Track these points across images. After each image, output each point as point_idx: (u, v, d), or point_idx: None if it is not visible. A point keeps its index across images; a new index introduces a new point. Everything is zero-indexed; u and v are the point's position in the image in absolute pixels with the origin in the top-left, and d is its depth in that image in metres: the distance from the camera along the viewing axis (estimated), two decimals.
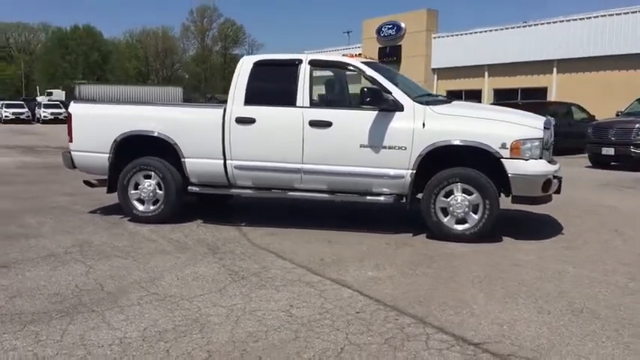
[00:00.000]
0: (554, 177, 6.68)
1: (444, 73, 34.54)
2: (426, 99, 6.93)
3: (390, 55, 35.98)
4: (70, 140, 7.72)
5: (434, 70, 34.94)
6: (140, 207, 7.45)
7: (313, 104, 6.86)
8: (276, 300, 4.60)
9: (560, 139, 20.17)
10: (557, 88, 28.71)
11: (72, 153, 7.76)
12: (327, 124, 6.73)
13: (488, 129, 6.39)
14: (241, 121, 6.98)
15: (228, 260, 5.76)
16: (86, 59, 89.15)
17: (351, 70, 7.00)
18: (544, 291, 4.83)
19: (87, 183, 7.96)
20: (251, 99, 7.04)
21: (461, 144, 6.41)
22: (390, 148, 6.57)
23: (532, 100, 22.16)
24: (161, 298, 4.64)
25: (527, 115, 6.96)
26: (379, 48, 36.62)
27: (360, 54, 8.09)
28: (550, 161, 6.82)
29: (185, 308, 4.40)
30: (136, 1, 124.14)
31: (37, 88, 77.69)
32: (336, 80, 7.46)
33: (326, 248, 6.26)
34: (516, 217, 8.01)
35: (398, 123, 6.56)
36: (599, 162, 16.14)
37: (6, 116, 45.83)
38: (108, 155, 7.47)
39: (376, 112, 6.61)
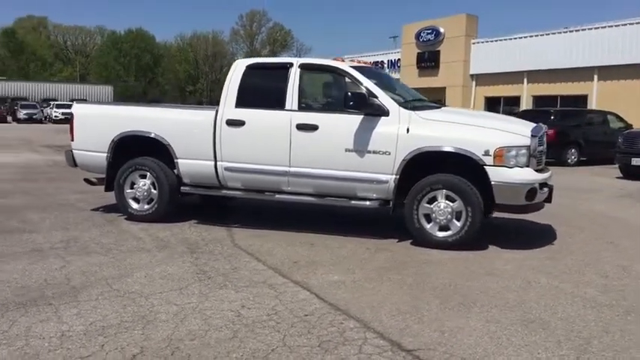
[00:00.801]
0: (544, 185, 6.54)
1: (482, 79, 34.05)
2: (414, 104, 6.88)
3: (428, 61, 35.76)
4: (72, 139, 7.95)
5: (472, 76, 34.49)
6: (135, 205, 7.62)
7: (301, 108, 6.89)
8: (231, 300, 4.65)
9: (594, 148, 19.92)
10: (598, 95, 27.98)
11: (73, 151, 8.00)
12: (313, 128, 6.76)
13: (472, 136, 6.31)
14: (231, 123, 7.07)
15: (203, 260, 5.84)
16: (138, 62, 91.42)
17: (339, 74, 6.98)
18: (504, 300, 4.74)
19: (87, 181, 8.19)
20: (242, 102, 7.12)
21: (444, 150, 6.35)
22: (374, 152, 6.55)
23: (566, 108, 21.63)
24: (121, 294, 4.75)
25: (516, 122, 6.85)
26: (418, 53, 36.40)
27: (353, 59, 8.04)
28: (540, 169, 6.68)
29: (139, 305, 4.49)
30: (188, 6, 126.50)
31: None
32: (332, 84, 7.46)
33: (305, 251, 6.28)
34: (513, 226, 7.88)
35: (382, 128, 6.54)
36: (630, 173, 15.62)
37: (55, 116, 47.57)
38: (106, 154, 7.66)
39: (362, 116, 6.60)
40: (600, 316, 4.43)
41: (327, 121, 6.77)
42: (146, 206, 7.58)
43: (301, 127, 6.79)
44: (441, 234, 6.43)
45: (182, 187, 7.52)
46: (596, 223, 8.36)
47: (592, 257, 6.26)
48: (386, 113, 6.56)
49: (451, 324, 4.21)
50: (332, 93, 7.36)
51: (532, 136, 6.40)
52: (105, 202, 8.78)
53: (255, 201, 8.77)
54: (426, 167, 6.53)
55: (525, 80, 31.70)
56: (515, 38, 32.36)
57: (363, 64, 7.66)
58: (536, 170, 6.51)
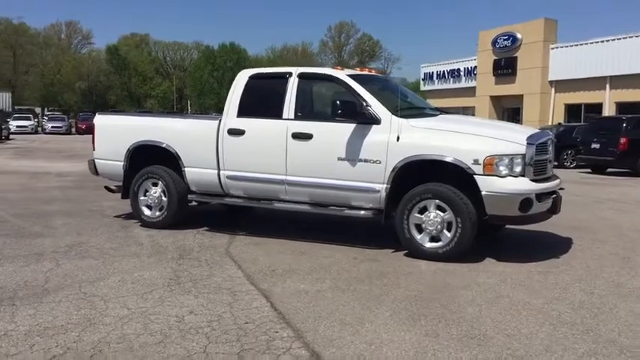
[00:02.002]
0: (544, 195, 6.23)
1: (562, 85, 32.69)
2: (409, 112, 6.73)
3: (505, 68, 34.79)
4: (94, 149, 8.33)
5: (551, 82, 33.19)
6: (148, 212, 7.89)
7: (298, 117, 6.90)
8: (183, 306, 4.72)
9: None
10: None
11: (95, 161, 8.37)
12: (308, 137, 6.76)
13: (462, 144, 6.10)
14: (233, 132, 7.19)
15: (186, 266, 5.95)
16: (232, 75, 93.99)
17: (335, 83, 6.94)
18: (459, 315, 4.55)
19: (107, 189, 8.55)
20: (243, 111, 7.23)
21: (432, 159, 6.18)
22: (365, 161, 6.47)
23: (635, 115, 20.40)
24: (85, 297, 4.92)
25: (513, 130, 6.57)
26: (494, 60, 35.48)
27: (364, 68, 7.98)
28: (543, 179, 6.38)
29: (94, 308, 4.64)
30: (279, 19, 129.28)
31: (189, 102, 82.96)
32: (329, 93, 7.43)
33: (291, 259, 6.27)
34: (527, 237, 7.54)
35: (374, 136, 6.45)
36: None
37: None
38: (123, 163, 7.97)
39: (354, 125, 6.54)
40: (552, 334, 4.16)
41: (322, 130, 6.75)
42: (157, 213, 7.83)
43: (296, 136, 6.81)
44: (430, 245, 6.25)
45: (189, 195, 7.70)
46: (624, 237, 7.82)
47: (590, 273, 5.88)
48: (377, 121, 6.47)
49: (386, 336, 4.09)
50: (328, 102, 7.32)
51: (528, 144, 6.10)
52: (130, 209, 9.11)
53: (271, 209, 8.85)
54: (423, 176, 6.38)
55: (608, 86, 30.21)
56: (597, 42, 30.90)
57: (363, 72, 7.56)
58: (536, 180, 6.20)
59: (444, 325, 4.33)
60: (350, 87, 6.74)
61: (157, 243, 6.99)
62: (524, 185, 6.02)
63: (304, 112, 6.98)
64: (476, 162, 5.98)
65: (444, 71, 41.56)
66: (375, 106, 6.53)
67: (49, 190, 11.92)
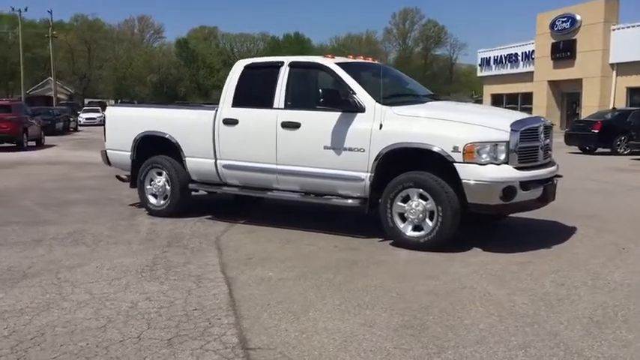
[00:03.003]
0: (532, 183, 6.04)
1: (624, 68, 31.26)
2: (396, 100, 6.62)
3: (563, 51, 33.62)
4: (105, 139, 8.62)
5: (612, 65, 31.80)
6: (153, 201, 8.11)
7: (287, 106, 6.93)
8: (144, 292, 4.85)
9: None
10: None
11: (107, 151, 8.66)
12: (296, 126, 6.78)
13: (441, 131, 5.98)
14: (227, 122, 7.29)
15: (169, 254, 6.10)
16: None
17: (323, 71, 6.91)
18: (408, 304, 4.49)
19: (118, 178, 8.82)
20: (238, 101, 7.31)
21: (412, 146, 6.09)
22: (350, 149, 6.43)
23: None
24: (57, 283, 5.13)
25: (498, 116, 6.37)
26: (552, 43, 34.32)
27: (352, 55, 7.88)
28: (538, 166, 6.19)
29: (59, 293, 4.83)
30: (342, 8, 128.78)
31: None
32: (318, 82, 7.33)
33: (273, 248, 6.33)
34: (531, 226, 7.32)
35: (358, 124, 6.40)
36: None
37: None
38: (130, 153, 8.22)
39: (340, 113, 6.51)
40: (494, 326, 4.05)
41: (309, 119, 6.75)
42: (162, 202, 8.04)
43: (285, 125, 6.84)
44: (412, 234, 6.17)
45: (190, 185, 7.86)
46: (636, 228, 7.44)
47: (573, 264, 5.65)
48: (362, 109, 6.41)
49: (322, 325, 4.10)
50: (317, 91, 7.28)
51: (512, 130, 5.91)
52: None
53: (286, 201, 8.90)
54: (410, 164, 6.29)
55: None
56: None
57: (354, 60, 7.48)
58: (522, 167, 6.01)
59: (388, 315, 4.29)
60: (337, 75, 6.71)
61: (153, 231, 7.18)
62: (507, 173, 5.85)
63: (294, 101, 6.98)
64: (456, 149, 5.85)
65: (501, 56, 40.50)
66: (360, 93, 6.48)
67: (84, 180, 12.39)
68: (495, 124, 6.00)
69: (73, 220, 7.85)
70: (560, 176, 6.74)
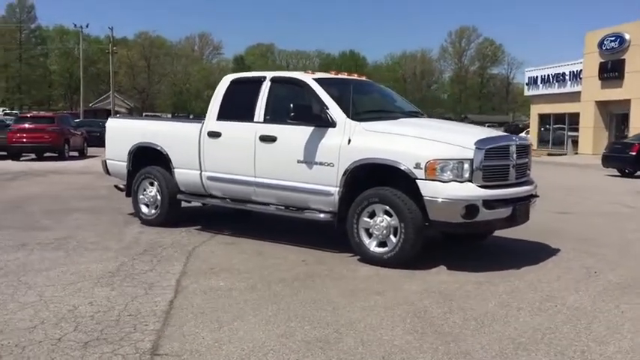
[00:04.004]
0: (503, 202, 5.93)
1: None
2: (369, 115, 6.64)
3: (611, 71, 32.57)
4: (105, 150, 8.91)
5: None
6: (145, 210, 8.32)
7: (266, 120, 7.02)
8: (91, 297, 4.98)
9: None
10: None
11: (106, 161, 8.94)
12: (272, 139, 6.86)
13: (405, 147, 5.94)
14: (212, 135, 7.43)
15: (138, 261, 6.23)
16: None
17: (300, 86, 6.96)
18: (338, 318, 4.48)
19: (117, 187, 9.07)
20: (222, 114, 7.45)
21: (376, 162, 6.07)
22: (320, 164, 6.46)
23: None
24: (16, 285, 5.31)
25: (466, 133, 6.28)
26: (600, 63, 33.30)
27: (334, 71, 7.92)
28: (515, 184, 6.10)
29: (12, 295, 5.00)
30: (398, 26, 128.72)
31: None
32: (296, 97, 7.33)
33: (240, 259, 6.39)
34: (513, 248, 7.18)
35: (328, 139, 6.43)
36: None
37: None
38: (126, 163, 8.46)
39: (312, 127, 6.56)
40: (409, 343, 4.00)
41: (285, 133, 6.81)
42: (153, 211, 8.23)
43: (263, 139, 6.93)
44: (377, 250, 6.13)
45: (178, 195, 8.02)
46: (625, 255, 7.14)
47: (533, 286, 5.48)
48: (333, 124, 6.44)
49: (240, 335, 4.14)
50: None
51: (477, 148, 5.83)
52: None
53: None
54: (380, 180, 6.27)
55: None
56: None
57: (333, 76, 7.51)
58: (488, 186, 5.90)
59: (310, 327, 4.28)
60: (312, 90, 6.76)
61: (136, 239, 7.36)
62: (470, 191, 5.76)
63: (273, 115, 7.05)
64: (418, 166, 5.80)
65: (548, 75, 39.59)
66: (333, 109, 6.51)
67: (99, 189, 12.70)
68: (460, 141, 5.93)
69: (67, 227, 8.11)
70: (536, 196, 6.58)
